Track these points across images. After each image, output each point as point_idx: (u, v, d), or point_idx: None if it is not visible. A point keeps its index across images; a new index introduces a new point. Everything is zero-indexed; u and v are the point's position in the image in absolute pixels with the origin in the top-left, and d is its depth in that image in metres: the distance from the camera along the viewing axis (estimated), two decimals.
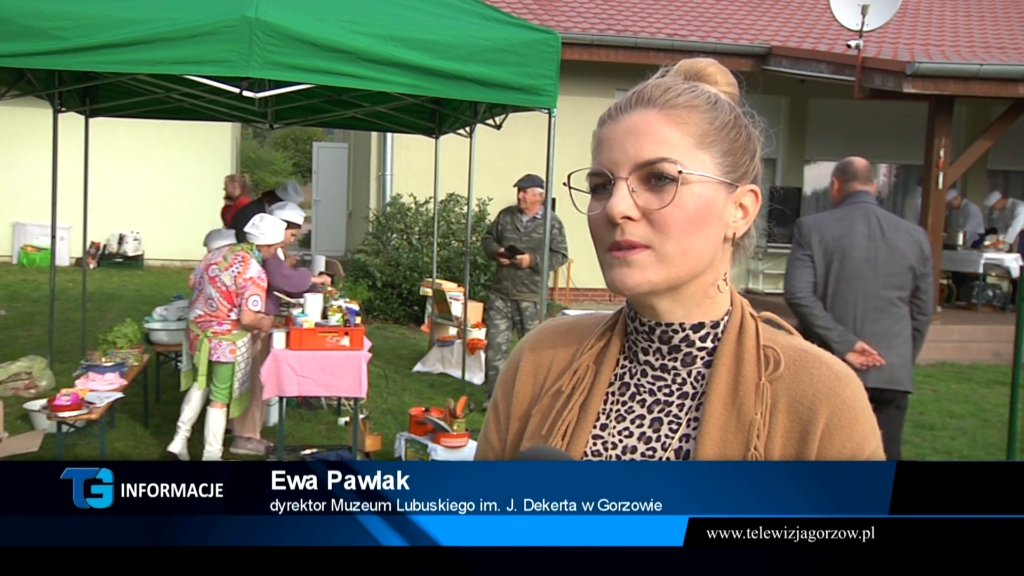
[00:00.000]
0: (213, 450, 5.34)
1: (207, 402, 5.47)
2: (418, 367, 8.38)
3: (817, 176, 13.50)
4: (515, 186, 6.86)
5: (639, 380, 1.08)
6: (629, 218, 0.98)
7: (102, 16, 4.25)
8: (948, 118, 9.44)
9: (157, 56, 4.30)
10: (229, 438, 5.65)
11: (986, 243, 11.15)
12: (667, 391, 1.06)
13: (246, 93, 4.96)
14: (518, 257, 6.66)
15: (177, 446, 5.39)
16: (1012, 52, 10.97)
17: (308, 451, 5.66)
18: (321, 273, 7.38)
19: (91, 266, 14.50)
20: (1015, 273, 10.77)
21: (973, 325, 9.99)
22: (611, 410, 1.07)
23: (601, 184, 1.02)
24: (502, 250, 6.73)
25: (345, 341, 5.28)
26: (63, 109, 7.36)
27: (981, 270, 10.93)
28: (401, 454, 5.56)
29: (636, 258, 0.99)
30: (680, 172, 0.97)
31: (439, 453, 5.29)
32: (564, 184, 1.09)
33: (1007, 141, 11.52)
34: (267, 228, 5.52)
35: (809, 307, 3.92)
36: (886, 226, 3.97)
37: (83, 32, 4.23)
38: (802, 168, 13.09)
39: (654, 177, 0.98)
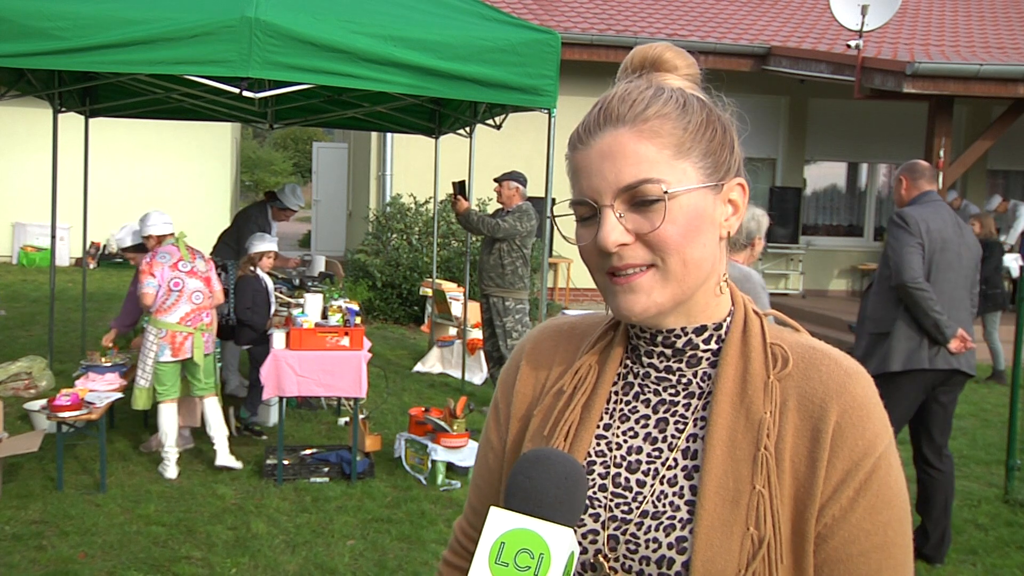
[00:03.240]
0: (223, 436, 5.35)
1: (182, 402, 5.45)
2: (418, 367, 8.37)
3: (817, 176, 13.50)
4: (494, 180, 6.85)
5: (643, 380, 1.06)
6: (623, 244, 0.96)
7: (102, 16, 4.25)
8: (948, 118, 9.44)
9: (157, 56, 4.30)
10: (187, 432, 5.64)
11: None
12: (672, 391, 1.04)
13: (246, 93, 4.96)
14: (459, 196, 6.63)
15: (172, 471, 5.22)
16: (1012, 52, 10.97)
17: (308, 451, 5.66)
18: (320, 273, 7.39)
19: (91, 266, 14.50)
20: (1015, 273, 10.77)
21: (973, 325, 9.96)
22: (615, 410, 1.06)
23: (585, 213, 0.99)
24: (455, 185, 6.74)
25: (345, 341, 5.28)
26: (63, 109, 7.36)
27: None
28: (401, 454, 5.56)
29: (639, 282, 0.97)
30: (666, 192, 0.94)
31: (439, 453, 5.29)
32: (547, 218, 1.07)
33: (1007, 141, 11.53)
34: (151, 221, 5.54)
35: (927, 291, 4.11)
36: (962, 226, 4.29)
37: (83, 32, 4.23)
38: (802, 168, 13.09)
39: (639, 198, 0.95)
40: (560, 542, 0.84)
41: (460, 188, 6.64)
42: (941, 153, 9.36)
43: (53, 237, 7.52)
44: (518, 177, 6.69)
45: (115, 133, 13.46)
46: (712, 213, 0.99)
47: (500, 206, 6.78)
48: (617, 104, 0.98)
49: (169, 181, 15.29)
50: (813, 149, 13.11)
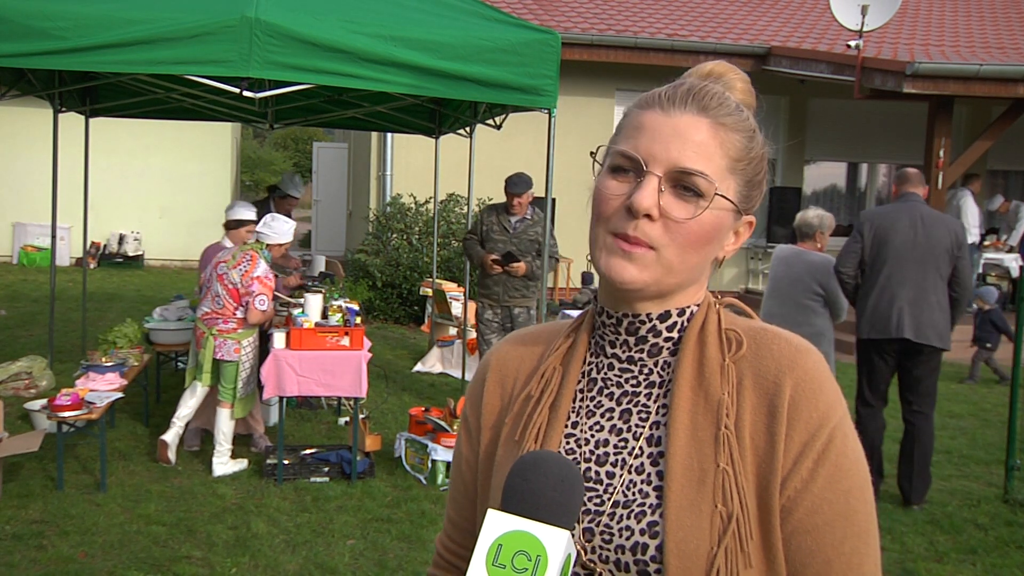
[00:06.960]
0: (223, 449, 5.34)
1: (213, 402, 5.46)
2: (418, 367, 8.38)
3: (817, 176, 13.49)
4: (508, 190, 6.35)
5: (606, 374, 1.09)
6: (649, 216, 0.98)
7: (102, 16, 4.26)
8: (948, 118, 9.44)
9: (157, 56, 4.31)
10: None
11: (986, 243, 11.15)
12: (634, 382, 1.07)
13: (246, 93, 4.96)
14: (513, 265, 6.19)
15: (170, 436, 5.40)
16: (1012, 52, 10.96)
17: (308, 451, 5.66)
18: (320, 273, 7.38)
19: (91, 266, 14.51)
20: (1015, 273, 10.78)
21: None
22: (581, 407, 1.08)
23: (624, 166, 1.01)
24: (496, 257, 6.23)
25: (345, 341, 5.29)
26: (63, 109, 7.36)
27: (981, 270, 10.93)
28: (401, 454, 5.56)
29: (639, 254, 0.99)
30: (716, 193, 0.99)
31: (439, 453, 5.29)
32: (591, 154, 1.09)
33: (1007, 141, 11.53)
34: (279, 228, 5.49)
35: (845, 278, 5.17)
36: (926, 220, 5.07)
37: (83, 32, 4.23)
38: (802, 168, 13.09)
39: (683, 186, 0.99)
40: (557, 544, 0.84)
41: (507, 259, 6.22)
42: (941, 153, 9.36)
43: (53, 237, 7.53)
44: (530, 183, 6.39)
45: (115, 133, 13.45)
46: (724, 234, 1.04)
47: (510, 211, 6.41)
48: (708, 96, 1.02)
49: (169, 181, 15.29)
50: (813, 149, 13.10)
